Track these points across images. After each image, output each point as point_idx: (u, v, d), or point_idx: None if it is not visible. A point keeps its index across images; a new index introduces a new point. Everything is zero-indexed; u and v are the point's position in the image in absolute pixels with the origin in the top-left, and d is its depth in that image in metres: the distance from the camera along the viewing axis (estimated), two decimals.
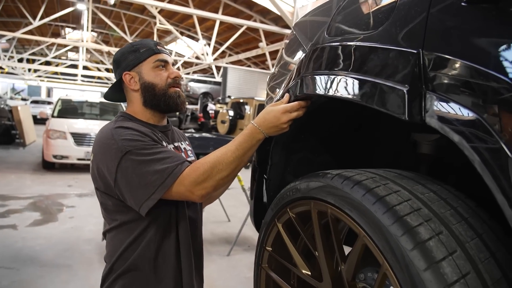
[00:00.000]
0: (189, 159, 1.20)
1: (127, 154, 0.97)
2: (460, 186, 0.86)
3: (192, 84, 15.79)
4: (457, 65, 0.64)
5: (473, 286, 0.59)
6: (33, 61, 25.18)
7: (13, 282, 2.68)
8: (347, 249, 0.97)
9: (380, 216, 0.68)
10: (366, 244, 0.73)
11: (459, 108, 0.62)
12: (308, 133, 1.21)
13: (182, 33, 18.25)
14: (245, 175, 4.12)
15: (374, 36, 0.81)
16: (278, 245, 1.07)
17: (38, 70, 26.25)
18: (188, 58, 18.32)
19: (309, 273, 0.97)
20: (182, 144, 1.26)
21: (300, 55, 1.20)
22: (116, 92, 1.22)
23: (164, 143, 1.12)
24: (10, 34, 15.04)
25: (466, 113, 0.61)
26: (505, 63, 0.56)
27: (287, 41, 1.42)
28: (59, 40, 17.18)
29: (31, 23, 14.91)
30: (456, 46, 0.65)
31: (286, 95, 1.05)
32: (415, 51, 0.69)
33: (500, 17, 0.61)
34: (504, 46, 0.58)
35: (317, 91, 0.95)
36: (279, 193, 1.07)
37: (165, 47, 1.21)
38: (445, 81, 0.65)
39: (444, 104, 0.64)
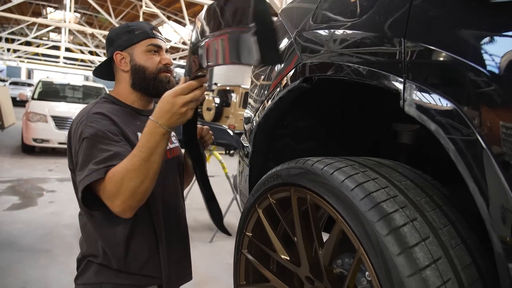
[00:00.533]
0: (171, 145, 1.20)
1: (85, 139, 0.97)
2: (438, 175, 0.88)
3: (178, 70, 15.57)
4: (437, 55, 0.65)
5: (443, 270, 0.61)
6: (13, 40, 24.30)
7: None
8: (327, 237, 0.98)
9: (358, 202, 0.69)
10: (343, 229, 0.75)
11: (437, 98, 0.63)
12: (291, 120, 1.22)
13: (169, 18, 17.86)
14: (229, 163, 4.13)
15: (359, 24, 0.81)
16: (258, 231, 1.08)
17: (18, 50, 25.36)
18: (175, 43, 18.00)
19: (288, 258, 0.98)
20: None
21: (285, 42, 1.19)
22: (105, 70, 1.20)
23: (138, 133, 1.07)
24: None
25: (443, 103, 0.62)
26: (485, 55, 0.57)
27: None
28: (40, 20, 16.56)
29: (10, 1, 14.33)
30: (437, 36, 0.66)
31: (182, 78, 0.97)
32: (397, 40, 0.70)
33: (482, 8, 0.61)
34: (484, 38, 0.59)
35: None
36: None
37: (159, 32, 1.19)
38: (425, 71, 0.66)
39: (423, 93, 0.65)
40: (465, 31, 0.62)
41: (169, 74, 1.16)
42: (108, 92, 1.21)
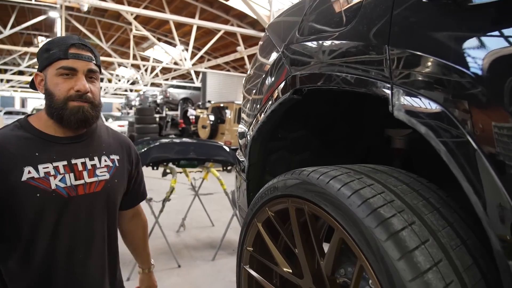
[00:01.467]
0: (89, 179, 1.05)
1: None
2: (434, 178, 0.88)
3: (171, 90, 15.66)
4: (421, 60, 0.66)
5: (445, 273, 0.61)
6: (5, 71, 24.43)
7: None
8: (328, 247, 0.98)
9: (355, 209, 0.69)
10: (343, 238, 0.74)
11: (425, 101, 0.64)
12: (284, 132, 1.22)
13: (159, 39, 18.08)
14: (227, 179, 4.11)
15: (343, 34, 0.83)
16: (259, 245, 1.08)
17: (11, 80, 25.47)
18: (167, 64, 18.18)
19: (290, 270, 0.97)
20: (91, 160, 1.07)
21: (274, 56, 1.21)
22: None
23: (41, 164, 0.98)
24: None
25: (431, 106, 0.63)
26: (468, 57, 0.59)
27: (261, 42, 1.44)
28: (32, 49, 16.70)
29: (1, 32, 14.46)
30: (420, 41, 0.67)
31: None
32: (381, 47, 0.71)
33: (460, 12, 0.63)
34: (466, 40, 0.60)
35: None
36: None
37: (87, 49, 1.03)
38: (411, 75, 0.67)
39: (410, 97, 0.66)
40: (446, 34, 0.64)
41: (84, 104, 1.00)
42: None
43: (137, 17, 13.80)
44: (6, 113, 19.25)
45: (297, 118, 1.20)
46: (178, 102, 14.53)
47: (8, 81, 26.16)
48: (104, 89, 28.63)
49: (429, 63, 0.64)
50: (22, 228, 0.96)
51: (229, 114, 10.35)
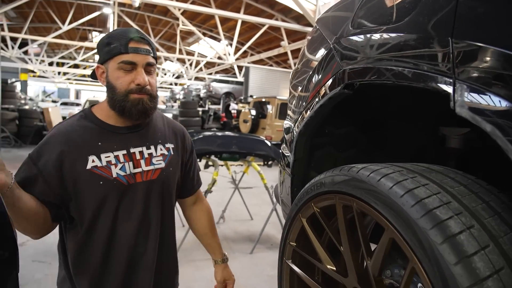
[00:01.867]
0: (146, 167, 1.10)
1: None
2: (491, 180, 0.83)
3: (214, 84, 15.92)
4: (489, 53, 0.62)
5: (507, 281, 0.57)
6: (63, 64, 26.11)
7: (46, 275, 2.79)
8: (373, 247, 0.95)
9: (408, 209, 0.67)
10: (393, 238, 0.72)
11: (492, 98, 0.60)
12: (332, 128, 1.20)
13: (204, 34, 18.44)
14: (268, 174, 4.13)
15: (401, 27, 0.79)
16: (302, 240, 1.07)
17: (67, 73, 27.18)
18: (211, 58, 18.50)
19: (334, 268, 0.96)
20: (147, 149, 1.12)
21: (323, 50, 1.19)
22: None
23: (104, 153, 1.04)
24: (41, 39, 15.66)
25: (499, 103, 0.59)
26: None
27: (309, 37, 1.42)
28: (86, 44, 17.73)
29: (60, 28, 15.46)
30: (488, 33, 0.63)
31: None
32: (444, 40, 0.68)
33: None
34: None
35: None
36: (303, 188, 1.07)
37: (145, 42, 1.04)
38: (477, 70, 0.63)
39: (475, 93, 0.62)
40: None
41: (144, 96, 1.04)
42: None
43: (184, 12, 14.16)
44: (63, 103, 20.67)
45: (346, 114, 1.17)
46: (221, 96, 14.76)
47: (64, 73, 27.94)
48: None
49: (498, 57, 0.60)
50: (85, 212, 1.04)
51: (270, 109, 10.35)
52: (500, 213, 0.68)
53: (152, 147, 1.13)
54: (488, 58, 0.62)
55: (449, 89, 0.66)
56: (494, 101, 0.59)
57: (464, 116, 0.63)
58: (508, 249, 0.62)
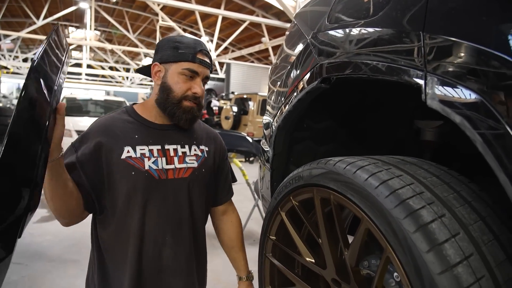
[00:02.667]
0: (179, 165, 1.11)
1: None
2: (465, 171, 0.86)
3: None
4: (459, 47, 0.63)
5: (476, 267, 0.59)
6: None
7: (23, 277, 2.72)
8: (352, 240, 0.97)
9: (383, 200, 0.68)
10: (368, 228, 0.73)
11: (461, 90, 0.62)
12: (310, 122, 1.21)
13: (185, 30, 18.22)
14: (250, 170, 4.13)
15: (375, 21, 0.81)
16: (282, 234, 1.08)
17: None
18: None
19: (313, 260, 0.97)
20: (182, 148, 1.14)
21: (301, 45, 1.19)
22: (148, 71, 1.20)
23: (139, 145, 1.07)
24: (14, 34, 15.12)
25: (468, 95, 0.61)
26: (510, 43, 0.56)
27: (288, 32, 1.42)
28: None
29: (34, 23, 14.98)
30: (458, 27, 0.65)
31: None
32: (415, 34, 0.69)
33: None
34: (508, 25, 0.57)
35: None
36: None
37: (209, 57, 1.11)
38: (447, 63, 0.65)
39: (445, 86, 0.64)
40: (487, 20, 0.61)
41: (195, 105, 1.10)
42: (128, 104, 1.22)
43: (164, 8, 13.94)
44: None
45: (325, 108, 1.19)
46: None
47: None
48: (130, 79, 29.22)
49: (467, 50, 0.62)
50: (117, 202, 1.06)
51: (252, 105, 10.35)
52: (471, 202, 0.71)
53: (187, 146, 1.15)
54: (458, 52, 0.64)
55: (420, 82, 0.67)
56: (463, 94, 0.61)
57: (434, 108, 0.65)
58: (478, 236, 0.64)
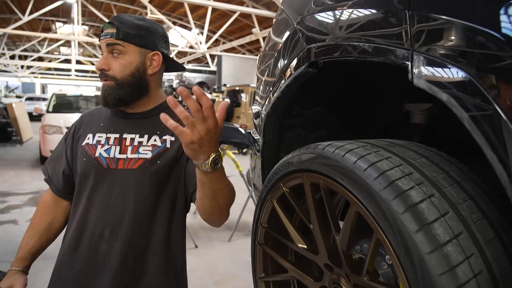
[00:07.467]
0: (131, 155, 1.03)
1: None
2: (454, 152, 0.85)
3: (187, 74, 15.68)
4: (445, 24, 0.62)
5: (466, 246, 0.59)
6: (26, 57, 24.92)
7: None
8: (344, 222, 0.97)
9: (371, 182, 0.68)
10: (358, 211, 0.73)
11: (447, 68, 0.61)
12: (300, 108, 1.20)
13: (174, 23, 18.02)
14: (243, 161, 4.12)
15: (361, 2, 0.79)
16: (274, 221, 1.07)
17: (31, 66, 26.01)
18: (182, 48, 18.14)
19: (305, 246, 0.97)
20: (140, 138, 1.06)
21: (288, 32, 1.18)
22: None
23: (99, 133, 1.07)
24: (0, 31, 14.84)
25: (454, 73, 0.60)
26: (498, 19, 0.55)
27: (275, 19, 1.40)
28: (50, 35, 16.97)
29: (20, 19, 14.68)
30: (443, 4, 0.63)
31: None
32: (401, 13, 0.68)
33: None
34: (494, 1, 0.56)
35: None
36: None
37: (112, 26, 1.01)
38: (433, 41, 0.64)
39: (431, 64, 0.63)
40: None
41: (105, 82, 1.03)
42: None
43: (152, 1, 13.76)
44: (28, 99, 19.78)
45: (313, 94, 1.18)
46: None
47: (28, 67, 26.72)
48: None
49: (454, 28, 0.61)
50: (74, 190, 1.09)
51: (244, 97, 10.32)
52: (460, 181, 0.71)
53: (146, 136, 1.06)
54: (443, 30, 0.63)
55: (407, 61, 0.66)
56: (450, 72, 0.61)
57: (421, 87, 0.64)
58: (467, 215, 0.64)
